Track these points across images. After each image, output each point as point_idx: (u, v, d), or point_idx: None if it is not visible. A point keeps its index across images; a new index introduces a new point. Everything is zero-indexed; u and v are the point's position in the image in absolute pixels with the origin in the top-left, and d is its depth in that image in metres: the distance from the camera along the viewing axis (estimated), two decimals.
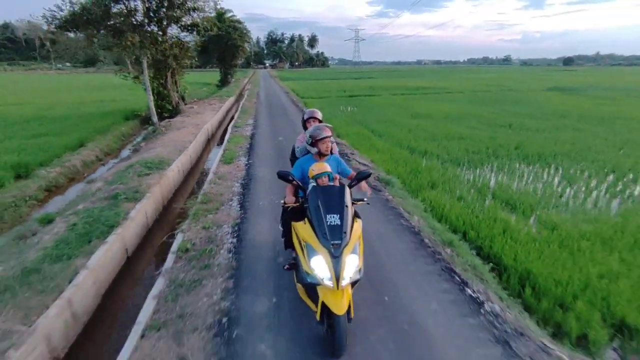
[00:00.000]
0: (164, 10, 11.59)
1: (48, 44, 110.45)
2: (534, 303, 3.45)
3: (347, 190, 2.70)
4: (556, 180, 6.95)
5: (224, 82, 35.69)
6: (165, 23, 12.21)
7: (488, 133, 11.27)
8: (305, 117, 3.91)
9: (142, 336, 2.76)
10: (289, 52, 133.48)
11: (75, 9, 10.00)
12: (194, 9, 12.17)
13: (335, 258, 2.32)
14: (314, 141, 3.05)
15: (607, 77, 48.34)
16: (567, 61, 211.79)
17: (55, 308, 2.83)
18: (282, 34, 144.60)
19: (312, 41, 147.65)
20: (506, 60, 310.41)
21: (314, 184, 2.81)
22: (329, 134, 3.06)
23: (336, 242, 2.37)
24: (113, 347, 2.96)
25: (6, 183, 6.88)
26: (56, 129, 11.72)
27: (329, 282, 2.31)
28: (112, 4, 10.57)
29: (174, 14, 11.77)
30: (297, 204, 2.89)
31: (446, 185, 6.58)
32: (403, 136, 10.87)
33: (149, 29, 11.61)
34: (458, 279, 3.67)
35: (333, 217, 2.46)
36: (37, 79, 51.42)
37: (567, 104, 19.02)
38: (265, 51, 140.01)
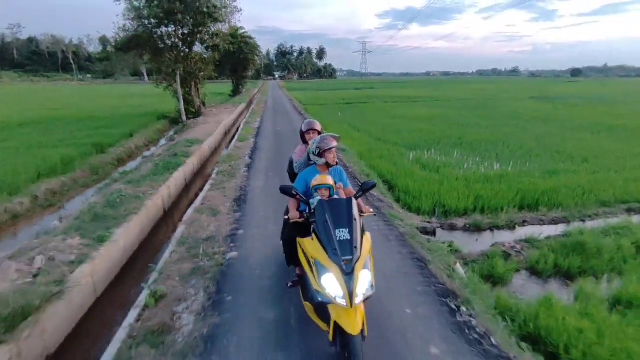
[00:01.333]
0: (193, 34, 15.07)
1: (70, 56, 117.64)
2: (404, 198, 6.55)
3: (355, 202, 2.60)
4: (468, 157, 9.98)
5: (235, 92, 39.41)
6: (192, 43, 15.69)
7: (444, 129, 14.34)
8: (304, 128, 3.67)
9: (209, 190, 6.04)
10: (298, 64, 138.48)
11: (130, 34, 13.52)
12: (216, 35, 15.60)
13: (348, 275, 2.20)
14: (322, 152, 2.93)
15: (601, 88, 51.09)
16: (575, 72, 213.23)
17: (164, 187, 6.04)
18: (292, 47, 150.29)
19: (321, 53, 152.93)
20: (514, 72, 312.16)
21: (318, 198, 2.74)
22: (336, 143, 2.96)
23: (347, 257, 2.24)
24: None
25: (93, 155, 10.23)
26: (109, 124, 15.15)
27: (342, 301, 2.17)
28: (155, 30, 14.07)
29: (201, 37, 15.23)
30: (302, 219, 2.75)
31: (390, 157, 9.68)
32: (376, 131, 14.02)
33: (181, 48, 15.08)
34: (375, 197, 6.78)
35: (342, 231, 2.35)
36: (65, 89, 55.98)
37: (531, 109, 22.02)
38: (275, 63, 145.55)
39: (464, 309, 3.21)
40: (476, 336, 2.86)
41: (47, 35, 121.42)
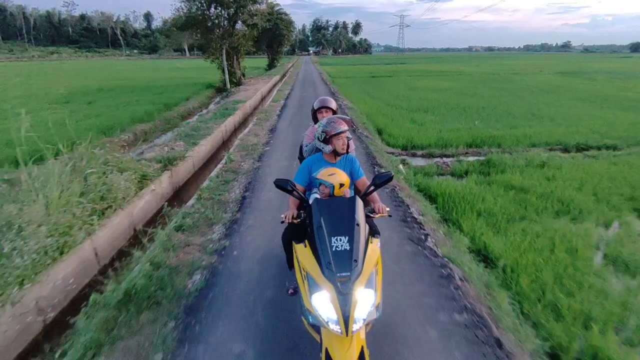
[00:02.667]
0: (236, 14, 17.88)
1: (118, 32, 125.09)
2: (387, 139, 9.19)
3: (359, 203, 2.10)
4: (456, 118, 12.21)
5: (270, 66, 42.24)
6: (235, 22, 18.53)
7: (449, 98, 16.40)
8: (316, 106, 3.21)
9: (252, 127, 9.04)
10: (332, 39, 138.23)
11: (189, 14, 16.62)
12: (255, 14, 18.30)
13: (343, 295, 1.74)
14: (328, 137, 2.45)
15: None
16: (636, 47, 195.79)
17: (222, 125, 9.09)
18: (327, 21, 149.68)
19: (356, 28, 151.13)
20: (565, 47, 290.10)
21: (317, 196, 2.34)
22: (346, 127, 2.48)
23: (344, 274, 1.78)
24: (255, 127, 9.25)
25: (164, 111, 13.56)
26: (168, 91, 18.59)
27: (335, 327, 1.74)
28: (207, 12, 17.03)
29: (242, 17, 18.01)
30: (298, 220, 2.24)
31: (390, 116, 12.16)
32: (389, 98, 16.38)
33: (226, 27, 17.98)
34: (364, 135, 9.45)
35: (340, 240, 1.88)
36: (118, 63, 61.42)
37: (545, 83, 23.15)
38: (309, 38, 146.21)
39: (411, 207, 5.88)
40: (399, 197, 5.57)
41: (97, 12, 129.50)
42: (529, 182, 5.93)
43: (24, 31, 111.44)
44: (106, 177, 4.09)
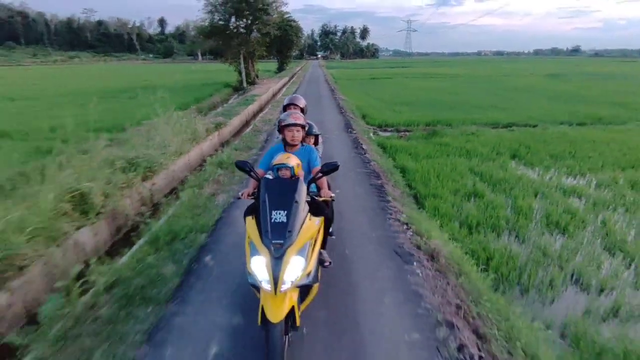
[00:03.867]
0: (252, 24, 21.18)
1: (134, 37, 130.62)
2: (368, 120, 12.28)
3: (302, 184, 2.40)
4: (430, 110, 15.17)
5: (280, 69, 45.63)
6: (251, 31, 21.84)
7: (433, 95, 19.37)
8: (285, 102, 3.65)
9: (266, 113, 12.21)
10: (340, 44, 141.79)
11: (212, 23, 19.97)
12: (267, 24, 21.58)
13: (276, 259, 2.06)
14: (280, 126, 2.87)
15: None
16: None
17: (244, 110, 12.27)
18: (335, 27, 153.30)
19: (364, 33, 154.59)
20: (575, 51, 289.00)
21: (268, 177, 2.64)
22: (297, 121, 2.79)
23: (278, 241, 2.10)
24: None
25: (194, 104, 16.86)
26: (193, 89, 21.91)
27: (267, 286, 2.05)
28: (228, 22, 20.36)
29: (257, 26, 21.31)
30: (252, 197, 2.61)
31: (376, 107, 15.20)
32: (381, 95, 19.46)
33: (244, 35, 21.29)
34: (351, 117, 12.52)
35: (279, 213, 2.19)
36: (136, 67, 65.38)
37: (529, 84, 25.96)
38: (318, 43, 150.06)
39: (363, 146, 8.94)
40: (362, 148, 8.65)
41: (113, 17, 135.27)
42: (452, 141, 8.98)
43: (44, 36, 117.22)
44: (189, 126, 7.30)
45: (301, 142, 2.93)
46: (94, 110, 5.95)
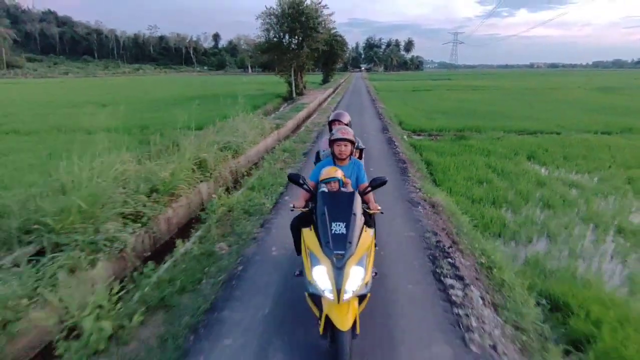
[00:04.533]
0: (303, 41, 23.57)
1: (191, 51, 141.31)
2: (404, 126, 13.83)
3: (357, 197, 2.59)
4: (463, 118, 16.35)
5: (325, 81, 48.15)
6: (302, 47, 24.24)
7: (467, 106, 20.42)
8: (331, 118, 3.82)
9: (314, 117, 14.23)
10: (384, 57, 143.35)
11: (269, 40, 22.61)
12: (317, 41, 23.88)
13: (338, 269, 2.20)
14: (330, 142, 3.04)
15: None
16: None
17: (296, 115, 14.36)
18: (380, 39, 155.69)
19: (408, 45, 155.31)
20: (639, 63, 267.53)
21: (324, 189, 2.78)
22: (346, 136, 2.94)
23: (340, 252, 2.24)
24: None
25: (251, 111, 19.37)
26: (249, 98, 24.60)
27: (329, 295, 2.19)
28: (282, 39, 22.91)
29: (307, 43, 23.67)
30: (306, 209, 2.81)
31: (413, 116, 16.66)
32: (419, 105, 20.84)
33: (296, 50, 23.73)
34: (389, 123, 14.11)
35: (338, 225, 2.35)
36: (193, 79, 71.30)
37: (572, 97, 25.96)
38: (362, 55, 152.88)
39: (396, 143, 10.55)
40: (395, 144, 10.27)
41: (173, 33, 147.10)
42: (477, 144, 10.31)
43: (115, 51, 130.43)
44: (259, 124, 9.41)
45: (349, 156, 3.07)
46: (187, 112, 8.28)
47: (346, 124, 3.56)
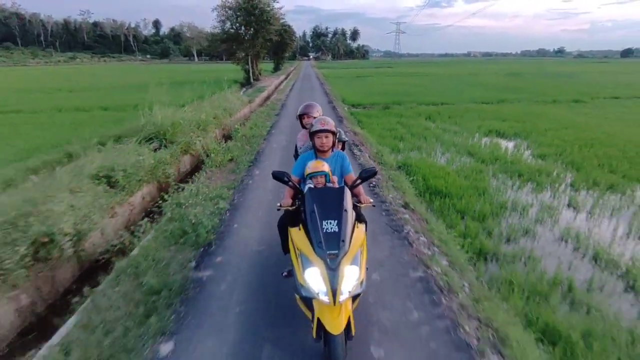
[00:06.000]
0: (258, 32, 26.57)
1: (131, 39, 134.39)
2: (346, 101, 17.83)
3: (347, 192, 2.47)
4: (391, 97, 20.73)
5: (276, 69, 51.09)
6: (257, 37, 27.22)
7: (398, 88, 24.95)
8: (299, 112, 3.56)
9: (274, 98, 17.73)
10: (331, 46, 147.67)
11: (226, 32, 25.33)
12: (269, 32, 26.95)
13: (332, 270, 2.08)
14: (310, 134, 2.88)
15: (607, 67, 57.70)
16: (625, 53, 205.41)
17: (260, 95, 17.72)
18: (327, 29, 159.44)
19: (354, 35, 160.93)
20: (559, 52, 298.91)
21: (310, 186, 2.64)
22: (326, 127, 2.80)
23: (333, 252, 2.12)
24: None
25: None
26: (208, 85, 27.22)
27: (324, 297, 2.08)
28: (239, 31, 25.74)
29: (263, 34, 26.71)
30: (293, 207, 2.67)
31: (353, 95, 20.69)
32: (358, 88, 25.01)
33: (251, 40, 26.66)
34: (330, 97, 17.98)
35: (330, 223, 2.21)
36: (138, 68, 69.56)
37: (481, 81, 31.81)
38: (310, 44, 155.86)
39: (337, 109, 14.43)
40: (337, 110, 14.15)
41: (109, 19, 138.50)
42: (395, 111, 14.55)
43: (42, 38, 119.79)
44: (238, 98, 12.79)
45: (331, 148, 2.92)
46: (158, 92, 11.46)
47: (315, 117, 3.35)
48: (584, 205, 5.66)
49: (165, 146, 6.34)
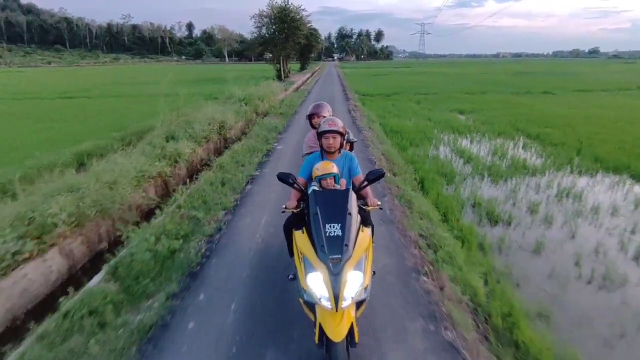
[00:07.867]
0: (289, 36, 31.63)
1: (167, 41, 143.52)
2: (357, 91, 22.54)
3: (352, 194, 2.41)
4: (397, 89, 25.16)
5: (302, 68, 56.32)
6: (288, 41, 32.27)
7: (407, 84, 29.25)
8: (309, 112, 3.53)
9: (301, 88, 22.76)
10: (355, 47, 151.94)
11: (263, 37, 30.61)
12: (300, 36, 31.91)
13: (335, 275, 2.03)
14: (318, 134, 2.85)
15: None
16: None
17: (292, 86, 22.70)
18: (351, 30, 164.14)
19: (378, 36, 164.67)
20: (593, 53, 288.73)
21: (315, 188, 2.60)
22: (334, 128, 2.75)
23: (335, 256, 2.07)
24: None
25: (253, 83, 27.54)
26: (247, 80, 32.59)
27: (326, 303, 2.03)
28: (273, 36, 30.92)
29: (294, 39, 31.73)
30: (298, 210, 2.61)
31: (366, 88, 25.27)
32: (373, 84, 29.54)
33: (283, 43, 31.75)
34: (346, 90, 22.66)
35: (333, 226, 2.17)
36: (177, 67, 76.39)
37: (486, 79, 35.49)
38: (335, 45, 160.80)
39: (349, 96, 19.13)
40: (349, 97, 18.89)
41: (146, 22, 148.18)
42: (394, 98, 19.08)
43: (87, 40, 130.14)
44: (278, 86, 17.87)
45: (339, 149, 2.88)
46: (222, 87, 16.45)
47: (325, 117, 3.24)
48: (480, 142, 10.11)
49: (245, 104, 11.64)
